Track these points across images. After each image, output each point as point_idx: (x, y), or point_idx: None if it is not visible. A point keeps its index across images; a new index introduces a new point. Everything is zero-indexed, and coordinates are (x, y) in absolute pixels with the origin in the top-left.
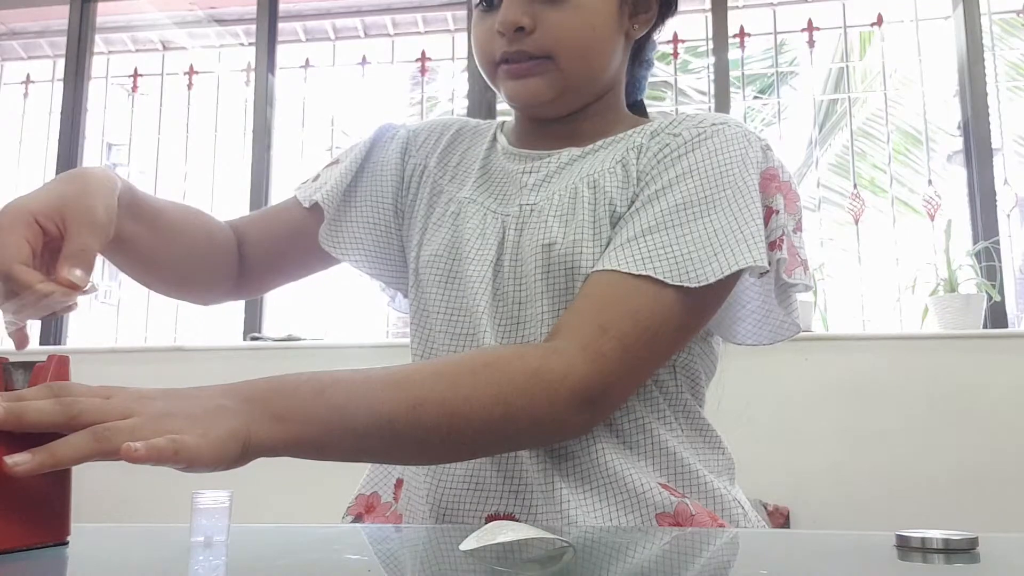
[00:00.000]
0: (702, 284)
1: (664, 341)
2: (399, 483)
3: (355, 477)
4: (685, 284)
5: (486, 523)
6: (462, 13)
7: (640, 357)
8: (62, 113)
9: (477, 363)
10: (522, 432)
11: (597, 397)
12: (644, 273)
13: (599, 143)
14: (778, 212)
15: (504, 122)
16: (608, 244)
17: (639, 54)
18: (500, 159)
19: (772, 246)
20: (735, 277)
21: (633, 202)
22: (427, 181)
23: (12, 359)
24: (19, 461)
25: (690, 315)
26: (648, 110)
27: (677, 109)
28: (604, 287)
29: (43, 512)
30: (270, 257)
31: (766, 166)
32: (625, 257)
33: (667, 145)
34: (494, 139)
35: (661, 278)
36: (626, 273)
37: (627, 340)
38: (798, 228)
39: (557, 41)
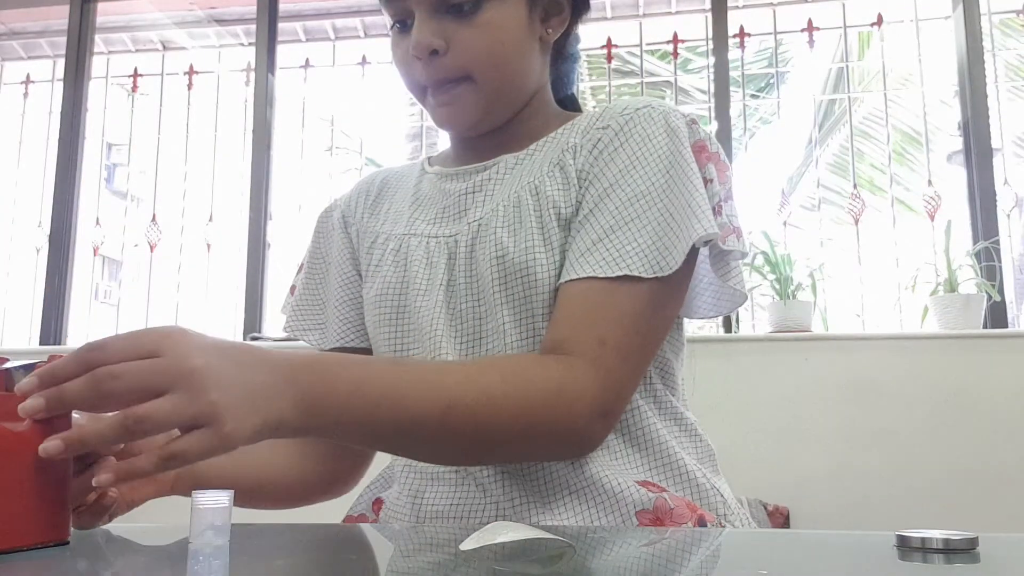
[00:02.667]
0: (674, 269)
1: (653, 336)
2: (377, 502)
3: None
4: (659, 274)
5: None
6: None
7: (638, 360)
8: (62, 113)
9: (507, 371)
10: (541, 445)
11: (610, 411)
12: (621, 274)
13: (533, 146)
14: (712, 181)
15: (429, 157)
16: (560, 248)
17: (561, 51)
18: (435, 184)
19: (716, 211)
20: (695, 252)
21: (579, 202)
22: (366, 237)
23: (11, 359)
24: (49, 448)
25: (668, 302)
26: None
27: None
28: (586, 296)
29: (43, 512)
30: None
31: (694, 139)
32: (597, 261)
33: (600, 140)
34: (422, 171)
35: (638, 274)
36: (604, 278)
37: (624, 348)
38: (729, 197)
39: (471, 59)
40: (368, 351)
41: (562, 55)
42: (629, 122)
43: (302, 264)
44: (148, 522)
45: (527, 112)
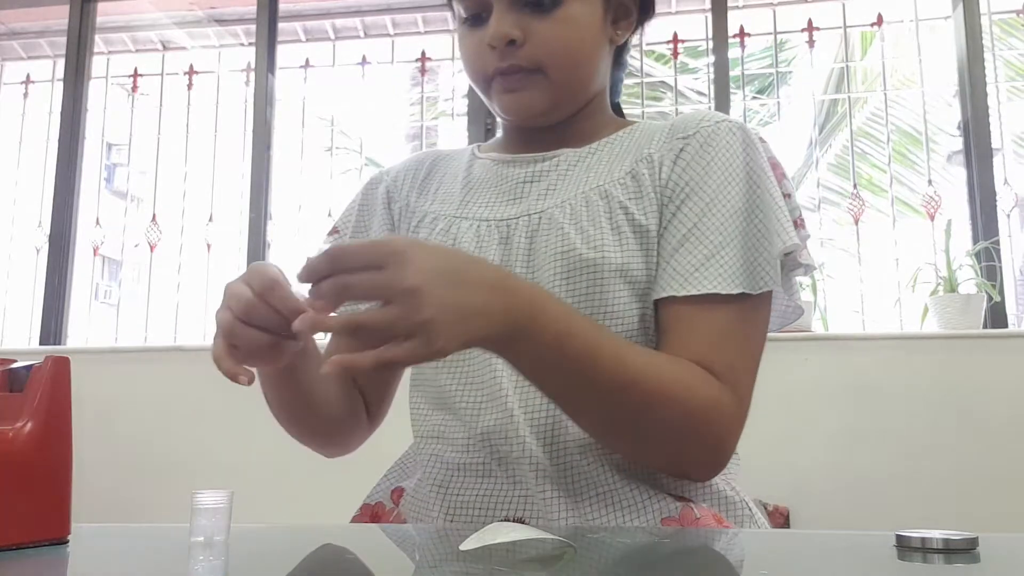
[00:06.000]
0: (775, 284)
1: (760, 354)
2: (397, 491)
3: (357, 480)
4: (763, 290)
5: None
6: None
7: (753, 385)
8: (62, 113)
9: (684, 372)
10: (686, 452)
11: (737, 442)
12: (739, 291)
13: (595, 145)
14: (790, 195)
15: (479, 144)
16: (631, 251)
17: (618, 58)
18: (490, 169)
19: (796, 224)
20: None
21: (670, 214)
22: (411, 214)
23: (11, 360)
24: (296, 327)
25: (768, 317)
26: (641, 110)
27: (677, 110)
28: (712, 313)
29: (43, 509)
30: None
31: (768, 156)
32: (716, 277)
33: (682, 150)
34: (473, 157)
35: (750, 291)
36: (725, 295)
37: (750, 374)
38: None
39: (547, 53)
40: None
41: (618, 62)
42: (712, 136)
43: (336, 228)
44: (148, 522)
45: (587, 111)
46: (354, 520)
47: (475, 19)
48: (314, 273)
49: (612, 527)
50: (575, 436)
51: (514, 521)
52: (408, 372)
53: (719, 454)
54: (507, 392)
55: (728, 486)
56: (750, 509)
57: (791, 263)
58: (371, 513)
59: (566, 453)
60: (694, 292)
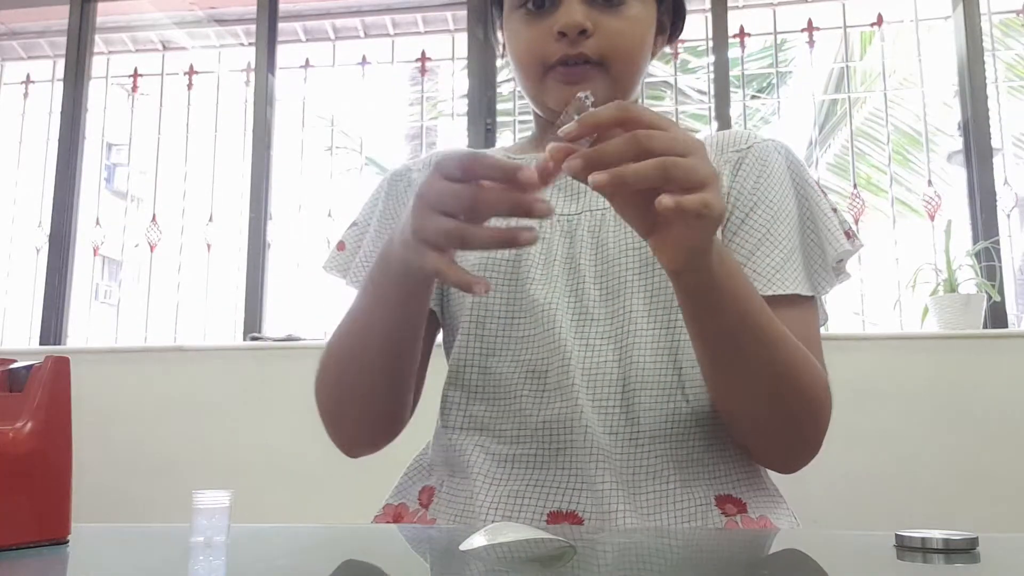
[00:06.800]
0: (831, 289)
1: None
2: (426, 490)
3: (357, 479)
4: (822, 293)
5: (547, 521)
6: (462, 13)
7: None
8: (62, 113)
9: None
10: (804, 425)
11: None
12: (812, 294)
13: None
14: (836, 210)
15: (503, 147)
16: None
17: None
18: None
19: (846, 235)
20: None
21: (729, 217)
22: None
23: (11, 360)
24: (598, 180)
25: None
26: None
27: (677, 109)
28: (793, 311)
29: (43, 509)
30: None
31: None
32: (795, 279)
33: (741, 161)
34: (507, 157)
35: (816, 294)
36: (804, 296)
37: (825, 369)
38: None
39: (613, 47)
40: (429, 314)
41: None
42: (765, 152)
43: (356, 222)
44: (148, 522)
45: None
46: (377, 519)
47: (539, 7)
48: (596, 127)
49: (614, 527)
50: (645, 428)
51: (567, 514)
52: (432, 367)
53: (821, 438)
54: (575, 380)
55: (776, 491)
56: (794, 518)
57: (836, 270)
58: (394, 513)
59: (634, 444)
60: (779, 292)
